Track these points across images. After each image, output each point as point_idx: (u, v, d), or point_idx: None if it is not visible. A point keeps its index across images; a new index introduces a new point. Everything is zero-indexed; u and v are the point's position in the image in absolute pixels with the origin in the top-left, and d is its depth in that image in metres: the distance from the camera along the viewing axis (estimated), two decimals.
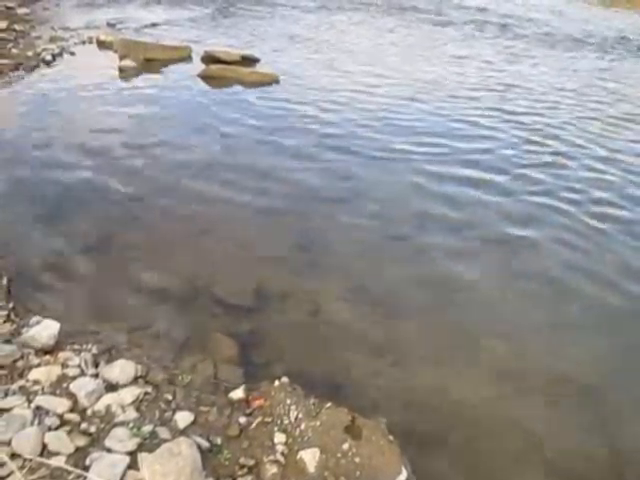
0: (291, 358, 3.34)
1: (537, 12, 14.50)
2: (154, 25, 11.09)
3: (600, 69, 10.44)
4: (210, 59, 8.68)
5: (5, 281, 3.62)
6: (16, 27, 10.41)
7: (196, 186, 5.22)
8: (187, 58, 8.95)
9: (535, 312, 3.92)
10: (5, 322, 3.23)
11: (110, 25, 10.94)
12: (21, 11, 11.84)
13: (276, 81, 8.10)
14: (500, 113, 7.58)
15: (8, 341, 3.05)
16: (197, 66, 8.54)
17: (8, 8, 11.92)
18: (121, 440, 2.54)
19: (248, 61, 8.83)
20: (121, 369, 2.93)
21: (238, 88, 7.88)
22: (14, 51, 8.98)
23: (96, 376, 2.90)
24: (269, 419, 2.79)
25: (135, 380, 2.92)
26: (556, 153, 6.47)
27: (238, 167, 5.60)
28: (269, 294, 3.88)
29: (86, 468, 2.35)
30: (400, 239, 4.59)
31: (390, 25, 12.19)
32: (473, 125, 7.02)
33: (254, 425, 2.76)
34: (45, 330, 3.08)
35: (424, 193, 5.25)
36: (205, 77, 8.16)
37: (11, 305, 3.41)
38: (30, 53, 8.89)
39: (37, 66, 8.42)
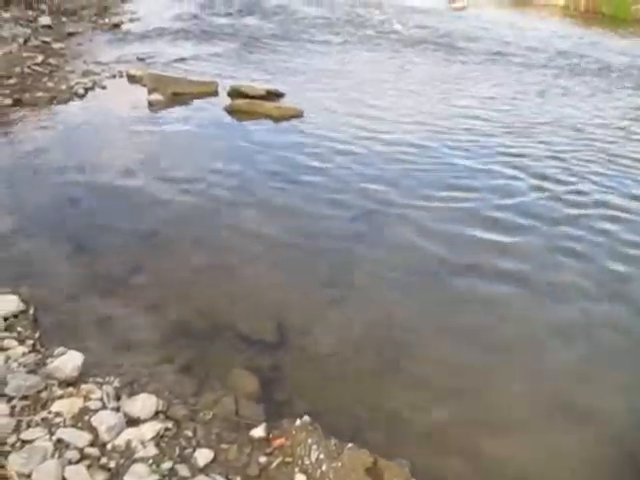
0: (313, 396, 3.30)
1: (560, 43, 14.53)
2: (182, 60, 11.39)
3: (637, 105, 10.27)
4: (236, 93, 8.86)
5: (32, 310, 3.67)
6: (51, 61, 10.81)
7: (220, 220, 5.28)
8: (214, 92, 9.14)
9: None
10: (31, 352, 3.27)
11: (140, 60, 11.26)
12: (56, 45, 12.30)
13: (300, 115, 8.22)
14: (529, 152, 7.37)
15: (33, 371, 3.08)
16: (223, 100, 8.71)
17: (44, 43, 12.40)
18: (140, 477, 2.52)
19: (273, 95, 8.99)
20: (142, 403, 2.93)
21: (263, 122, 8.01)
22: (49, 84, 9.30)
23: (117, 410, 2.90)
24: (290, 459, 2.75)
25: (156, 415, 2.91)
26: (601, 204, 6.05)
27: (261, 202, 5.66)
28: (291, 330, 3.87)
29: None
30: (423, 278, 4.55)
31: (414, 60, 12.32)
32: (501, 165, 6.88)
33: (274, 465, 2.72)
34: (69, 361, 3.11)
35: (448, 234, 5.20)
36: (231, 111, 8.32)
37: (37, 335, 3.45)
38: (64, 86, 9.20)
39: (70, 99, 8.69)
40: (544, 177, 6.56)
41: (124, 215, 5.31)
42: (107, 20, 15.86)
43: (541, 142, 7.75)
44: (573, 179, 6.59)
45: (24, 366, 3.09)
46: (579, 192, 6.23)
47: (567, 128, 8.45)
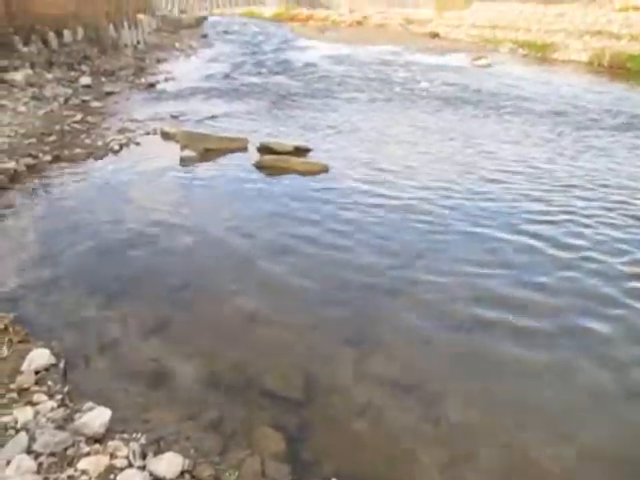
0: (341, 457, 3.23)
1: (587, 98, 14.59)
2: (214, 117, 11.80)
3: None
4: (265, 149, 9.09)
5: (62, 364, 3.72)
6: (89, 119, 11.33)
7: (248, 274, 5.33)
8: (243, 148, 9.41)
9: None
10: (60, 407, 3.29)
11: (174, 117, 11.71)
12: (95, 104, 12.91)
13: (326, 171, 8.37)
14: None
15: (61, 427, 3.09)
16: (252, 156, 8.94)
17: (84, 102, 13.04)
18: None
19: (300, 151, 9.20)
20: (168, 463, 2.90)
21: (290, 178, 8.16)
22: (86, 141, 9.72)
23: (143, 468, 2.88)
24: None
25: (182, 475, 2.88)
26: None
27: (288, 256, 5.71)
28: (318, 386, 3.82)
29: None
30: (452, 334, 4.48)
31: (439, 117, 12.47)
32: (531, 223, 6.68)
33: None
34: (97, 418, 3.11)
35: (476, 291, 5.13)
36: (260, 167, 8.53)
37: (66, 389, 3.48)
38: (100, 143, 9.59)
39: (105, 155, 9.04)
40: (575, 248, 6.01)
41: (155, 267, 5.42)
42: (143, 80, 16.65)
43: (576, 206, 7.18)
44: (608, 248, 6.05)
45: (52, 421, 3.11)
46: (616, 263, 5.70)
47: (602, 189, 7.86)
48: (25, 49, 14.21)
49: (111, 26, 21.58)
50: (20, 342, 3.88)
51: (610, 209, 7.15)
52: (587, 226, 6.58)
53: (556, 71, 21.49)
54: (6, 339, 3.89)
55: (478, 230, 6.37)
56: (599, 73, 20.49)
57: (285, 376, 3.90)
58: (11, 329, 3.99)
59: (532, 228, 6.44)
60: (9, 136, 9.39)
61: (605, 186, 8.03)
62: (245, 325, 4.51)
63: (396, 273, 5.38)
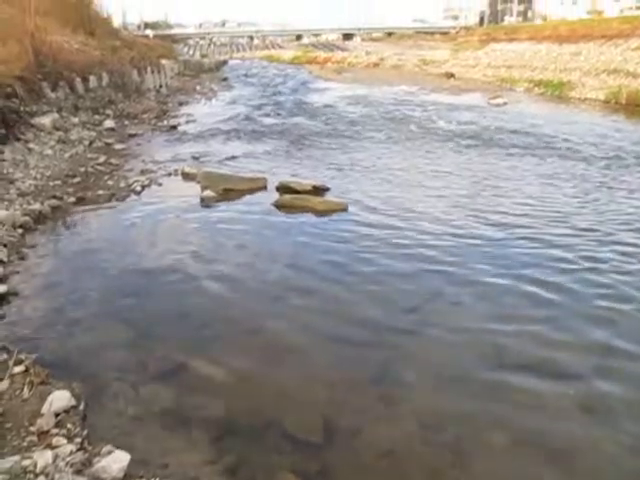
0: None
1: (605, 135, 14.54)
2: (234, 158, 12.01)
3: None
4: (284, 189, 9.20)
5: (82, 406, 3.70)
6: (113, 161, 11.61)
7: (268, 313, 5.33)
8: (263, 188, 9.52)
9: None
10: (79, 450, 3.26)
11: (195, 158, 11.94)
12: (118, 146, 13.26)
13: (345, 210, 8.41)
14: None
15: (79, 472, 3.05)
16: (272, 195, 9.04)
17: (107, 144, 13.40)
18: None
19: (319, 190, 9.28)
20: None
21: (309, 217, 8.21)
22: (109, 182, 9.93)
23: None
24: None
25: None
26: None
27: (308, 295, 5.70)
28: (340, 429, 3.74)
29: None
30: (478, 376, 4.38)
31: (456, 155, 12.52)
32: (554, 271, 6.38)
33: None
34: (115, 462, 3.08)
35: (504, 330, 5.04)
36: (279, 206, 8.61)
37: (85, 432, 3.45)
38: (123, 184, 9.80)
39: (128, 196, 9.21)
40: (602, 299, 5.63)
41: (176, 308, 5.44)
42: (165, 122, 17.11)
43: (603, 253, 6.73)
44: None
45: (71, 465, 3.07)
46: None
47: (631, 234, 7.44)
48: (53, 95, 14.70)
49: (135, 71, 22.35)
50: (41, 383, 3.88)
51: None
52: (615, 276, 6.10)
53: (573, 109, 21.60)
54: (27, 380, 3.89)
55: (499, 278, 6.09)
56: (617, 111, 20.52)
57: (305, 419, 3.83)
58: (32, 370, 4.00)
59: (556, 278, 6.01)
60: (35, 178, 9.64)
61: (634, 230, 7.58)
62: (264, 367, 4.47)
63: (416, 317, 5.30)
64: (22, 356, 4.21)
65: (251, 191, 9.39)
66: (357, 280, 6.02)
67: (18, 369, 4.04)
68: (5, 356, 4.22)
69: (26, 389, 3.79)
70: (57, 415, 3.53)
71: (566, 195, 9.33)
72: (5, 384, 3.86)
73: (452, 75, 36.05)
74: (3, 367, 4.08)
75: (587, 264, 6.41)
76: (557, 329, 5.05)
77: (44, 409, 3.56)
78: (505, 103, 22.34)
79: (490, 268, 6.33)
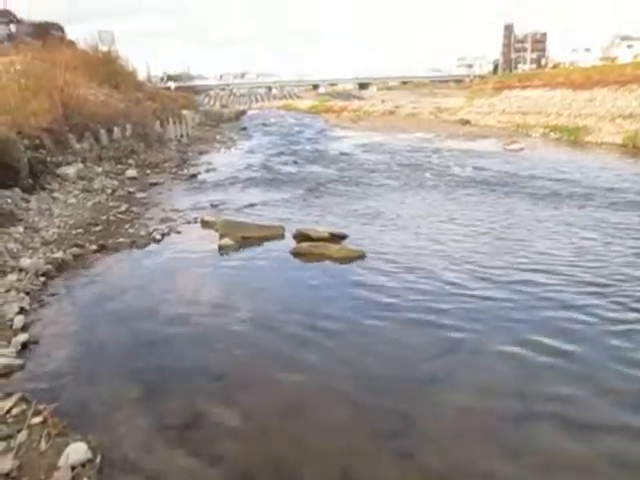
0: None
1: (625, 181, 14.42)
2: (252, 205, 12.19)
3: None
4: (301, 237, 9.28)
5: (99, 459, 3.69)
6: (134, 209, 11.87)
7: (285, 364, 5.30)
8: (280, 236, 9.62)
9: None
10: None
11: (213, 206, 12.15)
12: (139, 195, 13.57)
13: (362, 257, 8.42)
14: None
15: None
16: (289, 243, 9.12)
17: (129, 193, 13.74)
18: None
19: (336, 238, 9.33)
20: None
21: (326, 264, 8.24)
22: (130, 230, 10.13)
23: None
24: None
25: None
26: None
27: (326, 343, 5.67)
28: None
29: None
30: (503, 424, 4.28)
31: (474, 202, 12.50)
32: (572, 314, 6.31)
33: None
34: None
35: (524, 381, 4.94)
36: (296, 254, 8.67)
37: None
38: (143, 232, 9.98)
39: (148, 244, 9.36)
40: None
41: (193, 356, 5.46)
42: (185, 171, 17.52)
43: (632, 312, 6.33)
44: None
45: None
46: None
47: None
48: (78, 145, 15.22)
49: (157, 122, 23.07)
50: (58, 435, 3.89)
51: None
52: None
53: (590, 154, 21.62)
54: (45, 432, 3.91)
55: (518, 330, 5.93)
56: (635, 155, 20.50)
57: (323, 470, 3.76)
58: (50, 421, 4.01)
59: (574, 346, 5.56)
60: (59, 227, 9.89)
61: None
62: (282, 418, 4.43)
63: (433, 370, 5.22)
64: (41, 406, 4.24)
65: (269, 239, 9.48)
66: (375, 331, 5.98)
67: (36, 420, 4.06)
68: (24, 406, 4.25)
69: (43, 441, 3.80)
70: (73, 469, 3.52)
71: (586, 247, 8.82)
72: (23, 435, 3.88)
73: (467, 122, 36.52)
74: (22, 418, 4.11)
75: (605, 327, 5.94)
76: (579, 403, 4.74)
77: (61, 462, 3.56)
78: (521, 148, 22.48)
79: (508, 324, 6.04)
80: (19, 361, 5.14)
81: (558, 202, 12.25)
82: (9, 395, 4.41)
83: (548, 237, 9.45)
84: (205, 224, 10.50)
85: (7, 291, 6.73)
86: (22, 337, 5.59)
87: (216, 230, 9.83)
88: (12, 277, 7.12)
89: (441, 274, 7.62)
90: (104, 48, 31.15)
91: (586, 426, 4.29)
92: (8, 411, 4.18)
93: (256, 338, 5.85)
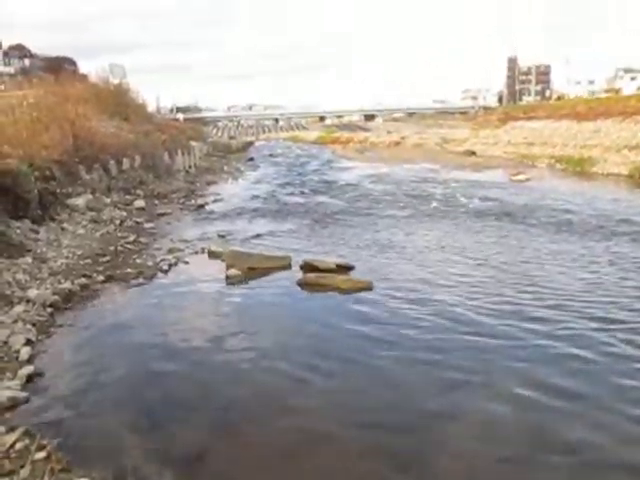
0: None
1: (632, 212, 14.35)
2: (259, 236, 12.23)
3: None
4: (308, 267, 9.27)
5: None
6: (142, 240, 11.92)
7: (294, 396, 5.24)
8: (287, 266, 9.60)
9: None
10: None
11: (221, 237, 12.19)
12: (147, 225, 13.65)
13: (369, 288, 8.38)
14: None
15: None
16: (296, 274, 9.10)
17: (137, 223, 13.83)
18: None
19: (343, 269, 9.32)
20: None
21: (334, 296, 8.21)
22: (138, 261, 10.15)
23: None
24: None
25: None
26: None
27: (334, 376, 5.63)
28: None
29: None
30: (514, 462, 4.18)
31: (480, 232, 12.46)
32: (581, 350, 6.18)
33: None
34: None
35: (533, 420, 4.84)
36: (303, 284, 8.64)
37: None
38: (150, 263, 10.00)
39: (155, 274, 9.37)
40: None
41: (200, 388, 5.42)
42: (193, 202, 17.65)
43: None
44: None
45: None
46: None
47: None
48: (88, 177, 15.39)
49: (166, 153, 23.37)
50: (62, 470, 3.83)
51: None
52: None
53: (597, 185, 21.65)
54: (48, 467, 3.85)
55: (525, 370, 5.72)
56: None
57: None
58: (54, 457, 3.96)
59: (584, 388, 5.37)
60: (67, 257, 9.92)
61: None
62: (290, 452, 4.35)
63: (443, 403, 5.14)
64: (44, 441, 4.19)
65: (275, 269, 9.47)
66: (383, 363, 5.91)
67: (40, 455, 4.01)
68: (27, 441, 4.19)
69: (47, 477, 3.74)
70: None
71: (596, 281, 8.62)
72: (27, 471, 3.82)
73: (473, 153, 36.76)
74: (25, 453, 4.05)
75: (617, 366, 5.74)
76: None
77: None
78: (527, 179, 22.55)
79: (516, 365, 5.82)
80: (24, 394, 5.10)
81: (567, 234, 12.13)
82: (13, 429, 4.36)
83: (557, 271, 9.27)
84: (212, 254, 10.52)
85: (14, 322, 6.72)
86: (28, 369, 5.55)
87: (223, 260, 9.84)
88: (19, 308, 7.12)
89: (448, 308, 7.47)
90: (115, 81, 31.85)
91: (597, 471, 4.17)
92: (12, 445, 4.13)
93: (264, 369, 5.79)
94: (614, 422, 4.75)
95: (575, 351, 6.08)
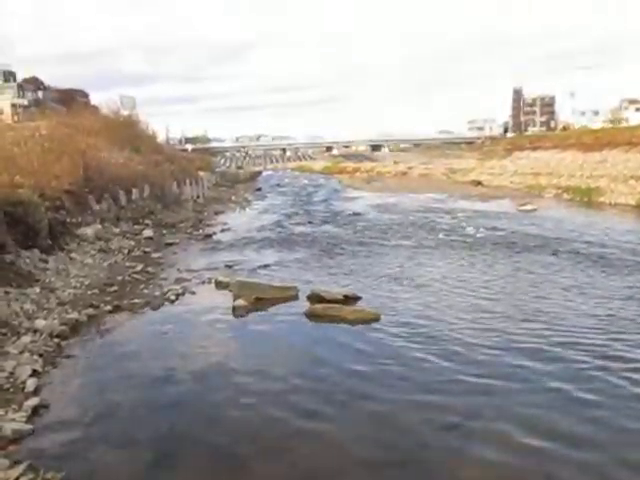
0: None
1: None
2: (266, 266, 12.23)
3: None
4: (315, 298, 9.24)
5: None
6: (149, 269, 11.96)
7: (300, 429, 5.20)
8: (294, 297, 9.58)
9: None
10: None
11: (228, 266, 12.20)
12: (155, 255, 13.71)
13: (376, 319, 8.32)
14: None
15: None
16: (303, 304, 9.07)
17: (145, 253, 13.89)
18: None
19: (350, 299, 9.29)
20: None
21: (341, 327, 8.17)
22: (145, 291, 10.17)
23: None
24: None
25: None
26: None
27: (340, 411, 5.57)
28: None
29: None
30: None
31: (487, 262, 12.38)
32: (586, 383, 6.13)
33: None
34: None
35: (540, 461, 4.75)
36: (310, 315, 8.61)
37: None
38: (158, 293, 10.01)
39: (162, 304, 9.37)
40: None
41: (205, 422, 5.39)
42: (201, 231, 17.76)
43: None
44: None
45: None
46: None
47: None
48: (97, 206, 15.57)
49: (175, 183, 23.62)
50: None
51: None
52: None
53: (605, 214, 21.59)
54: None
55: (533, 414, 5.47)
56: None
57: None
58: None
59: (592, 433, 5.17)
60: (75, 287, 9.97)
61: None
62: None
63: (451, 434, 5.08)
64: (48, 475, 4.14)
65: (282, 300, 9.45)
66: (390, 397, 5.84)
67: None
68: (32, 475, 4.15)
69: None
70: None
71: (608, 316, 8.33)
72: None
73: (479, 183, 36.85)
74: None
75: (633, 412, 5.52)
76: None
77: None
78: (535, 209, 22.52)
79: (524, 410, 5.55)
80: (29, 426, 5.07)
81: (579, 266, 11.85)
82: (17, 463, 4.33)
83: (570, 306, 8.97)
84: (219, 285, 10.51)
85: (21, 353, 6.72)
86: (33, 401, 5.53)
87: (230, 291, 9.83)
88: (26, 339, 7.12)
89: (454, 346, 7.30)
90: (125, 112, 32.45)
91: None
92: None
93: (270, 403, 5.74)
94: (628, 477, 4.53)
95: (588, 396, 5.79)
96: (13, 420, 5.10)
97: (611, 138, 32.11)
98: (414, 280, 10.82)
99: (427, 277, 11.06)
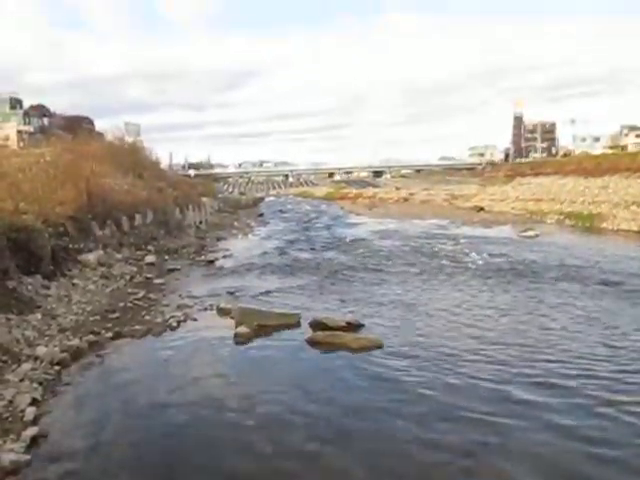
0: None
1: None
2: (268, 293, 12.18)
3: None
4: (317, 325, 9.18)
5: None
6: (151, 295, 11.93)
7: (302, 458, 5.14)
8: (296, 324, 9.52)
9: None
10: None
11: (230, 293, 12.16)
12: (157, 281, 13.69)
13: (379, 347, 8.26)
14: None
15: None
16: (305, 332, 9.02)
17: (147, 278, 13.88)
18: None
19: (353, 327, 9.23)
20: None
21: (343, 354, 8.09)
22: (147, 317, 10.12)
23: None
24: None
25: None
26: None
27: (343, 440, 5.49)
28: None
29: None
30: None
31: (490, 289, 12.34)
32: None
33: None
34: None
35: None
36: (312, 343, 8.55)
37: None
38: (159, 319, 9.96)
39: (163, 331, 9.32)
40: None
41: (206, 450, 5.31)
42: (203, 257, 17.75)
43: None
44: None
45: None
46: None
47: None
48: (100, 232, 15.60)
49: (177, 209, 23.71)
50: None
51: None
52: None
53: (607, 241, 21.55)
54: None
55: (538, 452, 5.32)
56: None
57: None
58: None
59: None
60: (76, 313, 9.94)
61: None
62: None
63: (458, 462, 5.00)
64: None
65: (285, 327, 9.39)
66: (394, 427, 5.78)
67: None
68: None
69: None
70: None
71: (618, 346, 8.16)
72: None
73: (481, 209, 36.96)
74: None
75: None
76: None
77: None
78: (537, 235, 22.53)
79: (529, 447, 5.38)
80: (27, 457, 5.01)
81: (585, 293, 11.74)
82: None
83: (577, 336, 8.78)
84: (221, 311, 10.48)
85: (21, 380, 6.67)
86: (32, 431, 5.46)
87: (232, 317, 9.79)
88: (27, 366, 7.07)
89: (456, 373, 7.24)
90: (130, 139, 32.80)
91: None
92: None
93: (267, 440, 5.59)
94: None
95: (596, 433, 5.59)
96: (12, 450, 5.03)
97: (612, 164, 32.30)
98: (417, 307, 10.76)
99: (430, 304, 11.00)
